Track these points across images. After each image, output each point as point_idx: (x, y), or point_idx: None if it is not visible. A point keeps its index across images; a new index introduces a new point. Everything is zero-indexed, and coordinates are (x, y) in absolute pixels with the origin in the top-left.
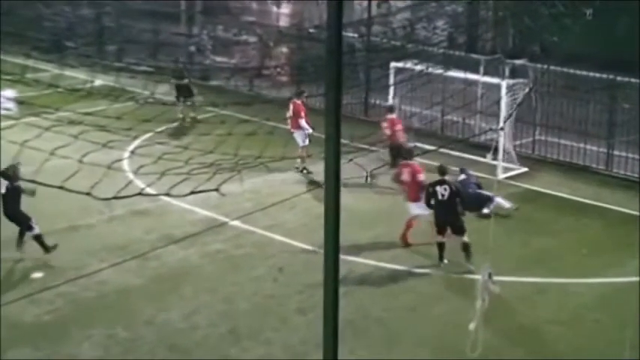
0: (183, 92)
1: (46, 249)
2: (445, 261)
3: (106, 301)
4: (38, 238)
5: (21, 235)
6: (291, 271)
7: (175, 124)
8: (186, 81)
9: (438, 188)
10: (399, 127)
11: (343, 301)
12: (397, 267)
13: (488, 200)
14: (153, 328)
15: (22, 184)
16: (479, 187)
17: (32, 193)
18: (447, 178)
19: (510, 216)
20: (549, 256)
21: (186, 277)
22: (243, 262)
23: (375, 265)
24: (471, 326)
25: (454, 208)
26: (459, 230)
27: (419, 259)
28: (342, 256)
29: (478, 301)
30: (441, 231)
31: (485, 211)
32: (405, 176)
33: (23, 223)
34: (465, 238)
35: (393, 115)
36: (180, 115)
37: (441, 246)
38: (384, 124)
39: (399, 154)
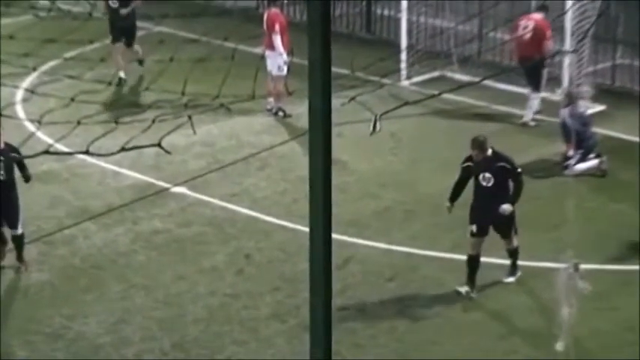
0: (127, 27)
1: None
2: (470, 293)
3: None
4: None
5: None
6: (262, 259)
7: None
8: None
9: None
10: (548, 34)
11: (338, 302)
12: (416, 251)
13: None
14: (63, 344)
15: None
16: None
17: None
18: (490, 153)
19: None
20: (637, 232)
21: (111, 270)
22: (193, 247)
23: (384, 250)
24: (559, 346)
25: (502, 202)
26: (507, 232)
27: (447, 239)
28: (335, 237)
29: (563, 307)
30: (480, 232)
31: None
32: None
33: None
34: (515, 243)
35: (541, 15)
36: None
37: (474, 262)
38: (522, 23)
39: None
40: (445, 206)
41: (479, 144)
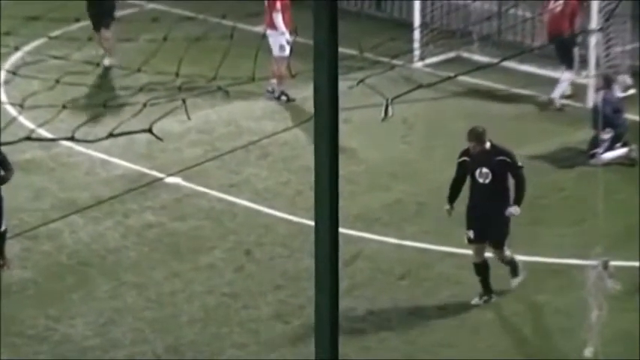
0: (106, 8)
1: None
2: (488, 300)
3: None
4: None
5: None
6: (263, 255)
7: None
8: None
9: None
10: (577, 11)
11: (346, 302)
12: (430, 247)
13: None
14: (48, 347)
15: None
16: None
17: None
18: (488, 146)
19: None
20: None
21: (99, 267)
22: (188, 243)
23: (395, 245)
24: (587, 352)
25: (500, 202)
26: (499, 240)
27: (463, 234)
28: (343, 231)
29: (593, 309)
30: (478, 238)
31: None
32: None
33: None
34: (507, 253)
35: None
36: (107, 62)
37: (482, 268)
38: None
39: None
40: (445, 209)
41: (476, 135)
